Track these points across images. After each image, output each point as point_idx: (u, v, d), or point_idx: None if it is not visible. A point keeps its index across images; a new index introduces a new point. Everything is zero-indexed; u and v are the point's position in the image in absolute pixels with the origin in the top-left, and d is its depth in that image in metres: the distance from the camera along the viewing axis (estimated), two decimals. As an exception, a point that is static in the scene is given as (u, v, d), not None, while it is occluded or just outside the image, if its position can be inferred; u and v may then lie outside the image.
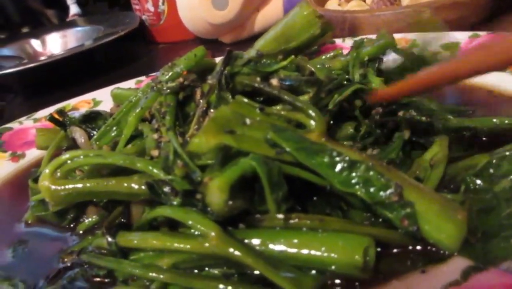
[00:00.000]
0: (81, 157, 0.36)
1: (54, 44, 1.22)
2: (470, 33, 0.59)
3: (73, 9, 1.48)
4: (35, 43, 1.23)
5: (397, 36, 0.62)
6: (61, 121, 0.52)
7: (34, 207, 0.44)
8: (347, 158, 0.29)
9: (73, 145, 0.52)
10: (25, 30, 1.41)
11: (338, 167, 0.30)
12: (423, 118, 0.40)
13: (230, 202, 0.28)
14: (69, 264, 0.36)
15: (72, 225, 0.43)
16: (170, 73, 0.48)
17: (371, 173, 0.29)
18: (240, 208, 0.30)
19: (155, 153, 0.36)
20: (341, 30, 0.68)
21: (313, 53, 0.65)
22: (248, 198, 0.31)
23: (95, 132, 0.52)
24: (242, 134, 0.30)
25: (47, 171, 0.35)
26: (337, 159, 0.30)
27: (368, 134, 0.40)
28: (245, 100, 0.33)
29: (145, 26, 1.18)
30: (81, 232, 0.41)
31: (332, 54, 0.60)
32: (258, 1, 0.98)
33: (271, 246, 0.30)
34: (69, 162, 0.36)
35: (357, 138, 0.40)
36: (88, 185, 0.35)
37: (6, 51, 1.14)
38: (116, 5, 1.63)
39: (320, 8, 0.79)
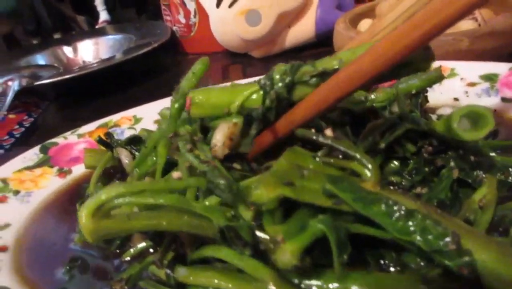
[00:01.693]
0: (126, 197, 0.34)
1: (86, 52, 1.25)
2: (510, 64, 0.59)
3: (103, 15, 1.52)
4: (67, 50, 1.27)
5: (435, 63, 0.63)
6: (108, 143, 0.54)
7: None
8: (403, 207, 0.30)
9: (119, 166, 0.54)
10: (56, 36, 1.45)
11: (395, 216, 0.30)
12: (471, 157, 0.41)
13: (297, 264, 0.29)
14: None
15: (118, 251, 0.43)
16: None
17: (428, 221, 0.30)
18: (304, 268, 0.31)
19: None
20: (378, 55, 0.69)
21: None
22: (312, 258, 0.31)
23: (137, 153, 0.53)
24: (301, 186, 0.31)
25: (86, 209, 0.33)
26: (394, 208, 0.30)
27: (415, 171, 0.41)
28: (299, 149, 0.35)
29: (175, 37, 1.20)
30: (127, 258, 0.42)
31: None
32: (290, 18, 0.99)
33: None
34: (111, 201, 0.33)
35: (404, 174, 0.41)
36: (133, 224, 0.34)
37: (41, 59, 1.17)
38: (144, 12, 1.67)
39: (355, 30, 0.80)
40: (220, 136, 0.39)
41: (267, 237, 0.31)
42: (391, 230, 0.30)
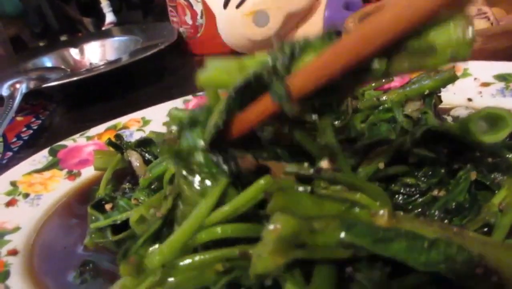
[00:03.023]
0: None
1: (93, 53, 1.25)
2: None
3: (109, 17, 1.51)
4: (74, 52, 1.27)
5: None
6: (118, 145, 0.54)
7: (93, 233, 0.45)
8: (425, 239, 0.28)
9: (128, 168, 0.54)
10: (63, 38, 1.45)
11: (418, 249, 0.28)
12: (489, 159, 0.40)
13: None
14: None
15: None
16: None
17: (452, 248, 0.28)
18: None
19: None
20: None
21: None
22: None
23: (147, 155, 0.53)
24: (313, 244, 0.28)
25: None
26: (415, 241, 0.28)
27: (432, 173, 0.40)
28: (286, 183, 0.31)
29: (182, 38, 1.19)
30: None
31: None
32: (298, 19, 0.98)
33: None
34: None
35: (420, 176, 0.41)
36: None
37: (48, 61, 1.17)
38: (150, 14, 1.67)
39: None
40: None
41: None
42: (414, 264, 0.28)
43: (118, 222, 0.43)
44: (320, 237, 0.28)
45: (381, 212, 0.31)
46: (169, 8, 1.21)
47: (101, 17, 1.53)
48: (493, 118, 0.37)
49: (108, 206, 0.46)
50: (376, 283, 0.28)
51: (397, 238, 0.29)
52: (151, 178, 0.46)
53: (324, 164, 0.34)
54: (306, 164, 0.32)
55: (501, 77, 0.58)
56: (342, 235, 0.28)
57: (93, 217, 0.46)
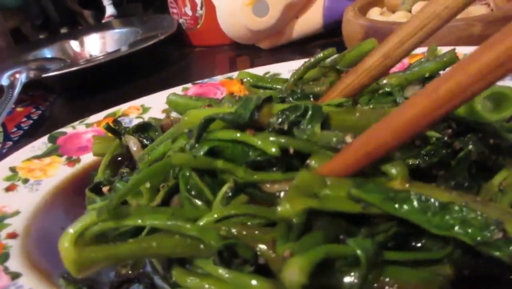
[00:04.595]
0: (111, 221, 0.31)
1: (93, 45, 1.25)
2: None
3: (109, 10, 1.51)
4: (74, 44, 1.26)
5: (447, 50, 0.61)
6: (116, 130, 0.53)
7: (91, 215, 0.45)
8: (437, 201, 0.29)
9: (126, 153, 0.54)
10: (63, 30, 1.45)
11: (430, 211, 0.29)
12: (491, 140, 0.40)
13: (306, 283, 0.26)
14: (133, 276, 0.37)
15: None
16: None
17: (467, 212, 0.28)
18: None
19: None
20: (389, 41, 0.68)
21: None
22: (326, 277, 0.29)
23: (145, 141, 0.53)
24: (325, 196, 0.30)
25: (71, 231, 0.30)
26: (427, 203, 0.29)
27: (433, 153, 0.40)
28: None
29: (182, 30, 1.19)
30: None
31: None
32: (297, 8, 0.98)
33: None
34: (96, 226, 0.31)
35: (421, 156, 0.40)
36: (121, 250, 0.31)
37: (48, 53, 1.17)
38: (150, 7, 1.66)
39: (365, 18, 0.79)
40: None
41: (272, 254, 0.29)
42: (428, 227, 0.29)
43: (116, 203, 0.43)
44: (331, 190, 0.30)
45: (394, 173, 0.31)
46: (169, 0, 1.20)
47: (101, 10, 1.52)
48: (497, 97, 0.37)
49: (105, 189, 0.46)
50: (367, 250, 0.28)
51: (408, 199, 0.29)
52: (150, 160, 0.46)
53: (348, 138, 0.35)
54: (334, 139, 0.35)
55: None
56: (353, 190, 0.30)
57: (91, 199, 0.46)
